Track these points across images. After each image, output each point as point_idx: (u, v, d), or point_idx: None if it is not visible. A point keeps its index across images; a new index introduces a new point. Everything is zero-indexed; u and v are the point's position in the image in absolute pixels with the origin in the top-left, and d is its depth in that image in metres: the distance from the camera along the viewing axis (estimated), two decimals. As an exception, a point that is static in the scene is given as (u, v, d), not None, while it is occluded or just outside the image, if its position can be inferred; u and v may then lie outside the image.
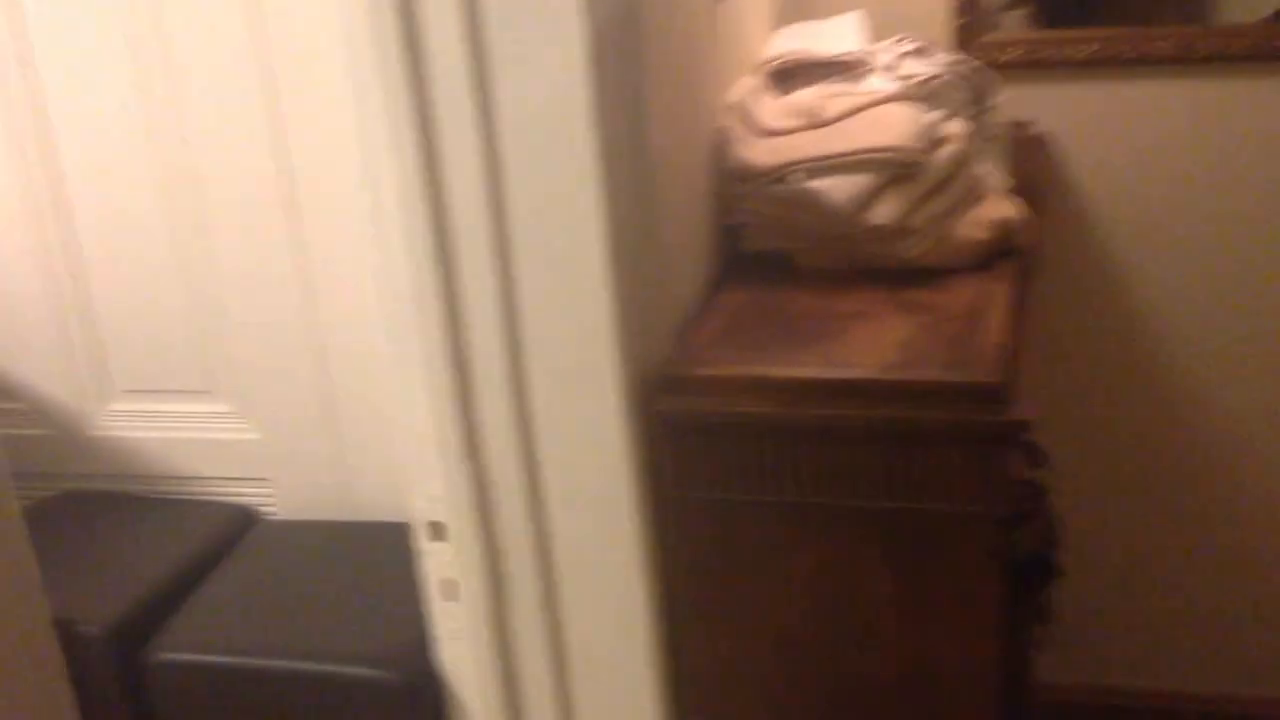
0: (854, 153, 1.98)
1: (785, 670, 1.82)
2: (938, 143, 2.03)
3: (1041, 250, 2.25)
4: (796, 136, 2.06)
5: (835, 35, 2.25)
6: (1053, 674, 2.74)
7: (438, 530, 1.83)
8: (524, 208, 1.64)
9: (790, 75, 2.23)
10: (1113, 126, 2.55)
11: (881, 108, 2.06)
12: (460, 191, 1.64)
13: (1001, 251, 2.06)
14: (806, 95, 2.15)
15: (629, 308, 1.70)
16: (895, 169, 1.98)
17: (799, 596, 1.78)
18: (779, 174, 2.02)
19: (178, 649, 2.16)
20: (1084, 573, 2.61)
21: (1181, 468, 2.76)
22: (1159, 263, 2.61)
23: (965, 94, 2.17)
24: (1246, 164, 2.52)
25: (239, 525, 2.63)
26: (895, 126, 2.00)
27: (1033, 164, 2.42)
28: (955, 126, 2.08)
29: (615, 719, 1.85)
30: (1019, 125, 2.45)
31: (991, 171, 2.15)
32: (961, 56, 2.25)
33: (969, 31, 2.52)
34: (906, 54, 2.18)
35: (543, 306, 1.69)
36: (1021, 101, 2.48)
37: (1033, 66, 2.53)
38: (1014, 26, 2.57)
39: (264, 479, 2.72)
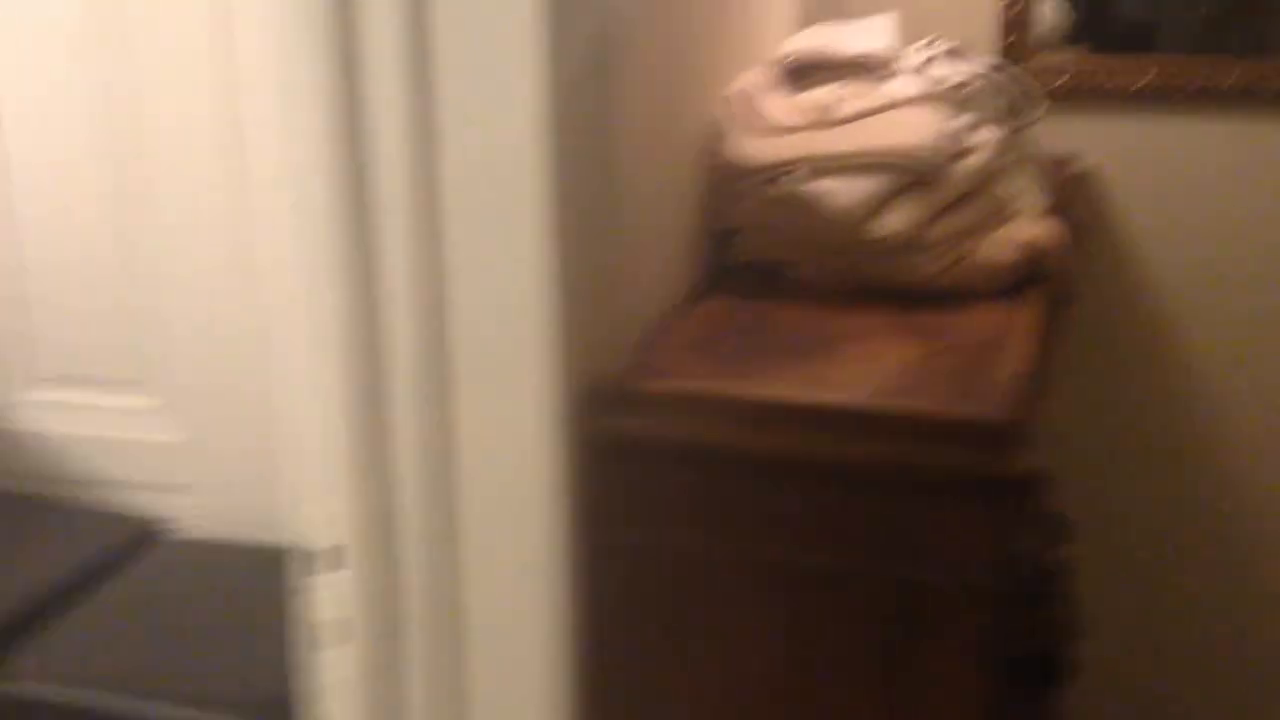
0: (865, 153, 1.76)
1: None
2: (963, 151, 1.81)
3: (1075, 284, 1.97)
4: (803, 134, 1.84)
5: (861, 35, 2.01)
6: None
7: (328, 558, 1.52)
8: (458, 175, 1.37)
9: (806, 74, 1.99)
10: (1164, 162, 2.41)
11: (901, 109, 1.84)
12: (382, 149, 1.37)
13: (1030, 278, 1.80)
14: (820, 93, 1.93)
15: (573, 306, 1.41)
16: (910, 174, 1.75)
17: (753, 676, 1.46)
18: (778, 172, 1.79)
19: (18, 680, 1.87)
20: (1116, 646, 2.40)
21: (1229, 536, 2.50)
22: (1209, 309, 2.44)
23: (1001, 104, 1.94)
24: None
25: (137, 540, 2.34)
26: (914, 128, 1.79)
27: (1074, 201, 2.17)
28: (985, 135, 1.85)
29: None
30: (1060, 162, 2.26)
31: (1026, 189, 1.92)
32: (999, 62, 2.01)
33: (1016, 51, 2.40)
34: (938, 56, 1.94)
35: (471, 296, 1.40)
36: (1068, 133, 2.32)
37: (1082, 95, 2.41)
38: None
39: (187, 486, 2.46)
